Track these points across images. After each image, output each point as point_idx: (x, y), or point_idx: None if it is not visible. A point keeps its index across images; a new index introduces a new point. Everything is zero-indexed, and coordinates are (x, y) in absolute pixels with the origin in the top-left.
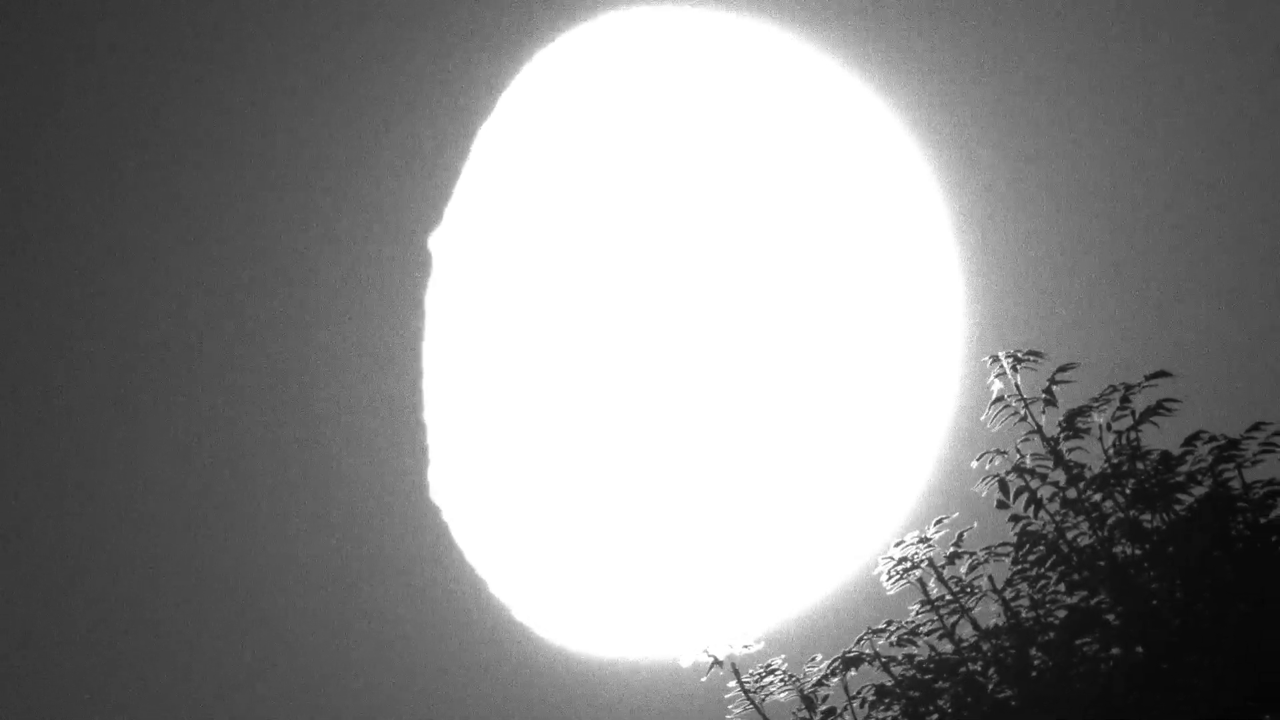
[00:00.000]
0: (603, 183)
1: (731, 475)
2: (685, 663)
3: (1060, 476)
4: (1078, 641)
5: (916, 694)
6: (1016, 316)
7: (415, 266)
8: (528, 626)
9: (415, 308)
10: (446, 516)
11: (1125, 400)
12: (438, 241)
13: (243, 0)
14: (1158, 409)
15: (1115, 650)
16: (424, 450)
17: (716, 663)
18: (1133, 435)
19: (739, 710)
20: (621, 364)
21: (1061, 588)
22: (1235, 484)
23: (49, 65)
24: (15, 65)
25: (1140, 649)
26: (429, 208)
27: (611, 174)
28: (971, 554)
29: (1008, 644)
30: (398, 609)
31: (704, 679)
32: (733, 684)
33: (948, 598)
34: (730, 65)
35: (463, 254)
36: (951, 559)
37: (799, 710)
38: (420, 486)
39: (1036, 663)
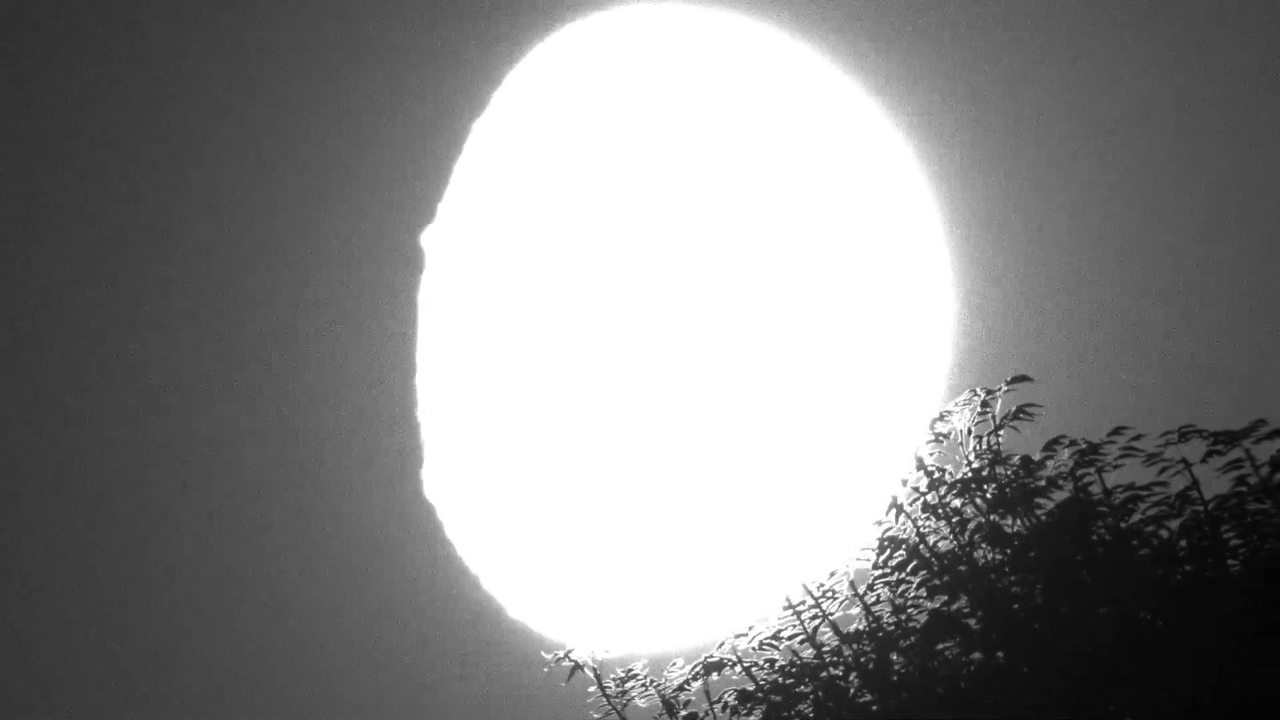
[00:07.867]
0: (596, 179)
1: (719, 473)
2: (545, 667)
3: (921, 481)
4: (939, 646)
5: (778, 698)
6: (1006, 325)
7: (408, 263)
8: (523, 624)
9: (408, 305)
10: (440, 515)
11: (985, 405)
12: (430, 238)
13: None
14: (1018, 414)
15: (976, 655)
16: (418, 449)
17: (577, 666)
18: (994, 440)
19: (599, 717)
20: (615, 361)
21: (923, 593)
22: (1096, 489)
23: (41, 64)
24: (13, 65)
25: (1001, 653)
26: (422, 204)
27: (605, 171)
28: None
29: (869, 649)
30: (391, 607)
31: (564, 684)
32: (593, 689)
33: (809, 602)
34: (724, 62)
35: (456, 251)
36: None
37: (660, 715)
38: (414, 485)
39: (898, 667)
